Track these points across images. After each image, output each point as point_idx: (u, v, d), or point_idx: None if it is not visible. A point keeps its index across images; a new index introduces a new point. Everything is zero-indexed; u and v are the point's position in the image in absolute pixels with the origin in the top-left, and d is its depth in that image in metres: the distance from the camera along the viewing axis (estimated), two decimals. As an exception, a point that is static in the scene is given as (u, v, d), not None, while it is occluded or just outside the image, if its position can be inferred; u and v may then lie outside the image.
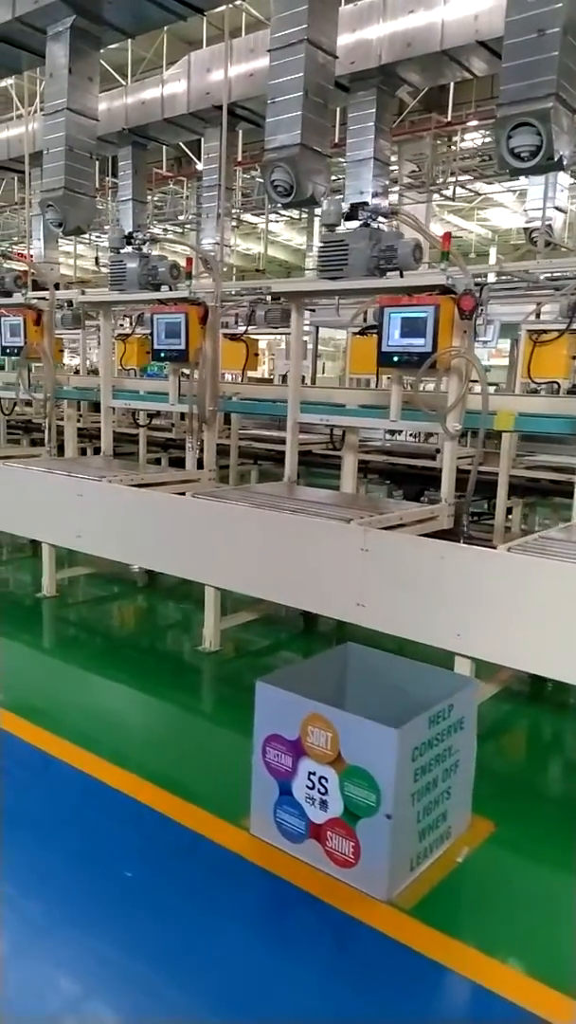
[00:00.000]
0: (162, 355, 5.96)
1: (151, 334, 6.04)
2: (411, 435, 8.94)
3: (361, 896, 2.77)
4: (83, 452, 9.37)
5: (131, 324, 10.36)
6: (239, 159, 16.13)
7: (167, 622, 6.22)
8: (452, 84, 14.47)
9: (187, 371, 6.06)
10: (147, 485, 5.69)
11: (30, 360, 6.92)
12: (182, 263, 5.99)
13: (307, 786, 2.93)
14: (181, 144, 16.17)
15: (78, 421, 9.18)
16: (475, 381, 4.82)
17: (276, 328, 10.91)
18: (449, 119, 14.30)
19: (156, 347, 5.97)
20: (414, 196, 14.89)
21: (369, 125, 12.19)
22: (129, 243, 6.04)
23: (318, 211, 12.29)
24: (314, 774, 2.90)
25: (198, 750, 3.97)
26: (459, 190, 17.50)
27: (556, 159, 6.07)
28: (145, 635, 5.90)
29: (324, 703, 2.88)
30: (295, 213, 19.52)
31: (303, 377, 9.30)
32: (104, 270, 14.87)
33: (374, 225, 4.88)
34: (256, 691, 3.08)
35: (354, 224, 4.94)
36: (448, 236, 4.72)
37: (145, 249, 6.06)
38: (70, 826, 3.23)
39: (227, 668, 5.02)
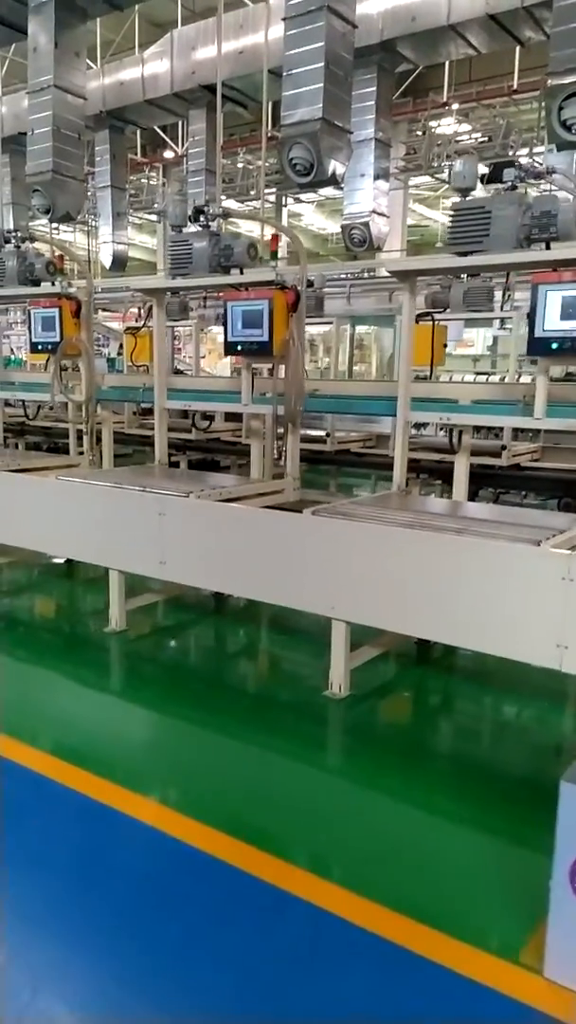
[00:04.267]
0: (238, 347, 5.01)
1: (224, 323, 5.07)
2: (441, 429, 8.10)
3: None
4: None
5: (141, 317, 9.30)
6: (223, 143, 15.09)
7: (273, 659, 5.14)
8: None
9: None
10: (234, 500, 4.77)
11: (67, 357, 5.88)
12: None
13: None
14: (156, 128, 15.04)
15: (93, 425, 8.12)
16: None
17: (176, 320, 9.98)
18: (445, 99, 13.48)
19: (231, 338, 5.01)
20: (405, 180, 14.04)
21: (369, 104, 11.29)
22: (196, 220, 5.06)
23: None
24: None
25: (386, 837, 3.08)
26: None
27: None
28: (250, 675, 4.86)
29: None
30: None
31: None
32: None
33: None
34: (561, 794, 2.22)
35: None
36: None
37: (215, 226, 5.08)
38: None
39: (367, 718, 4.11)
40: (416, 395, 4.82)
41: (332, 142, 8.62)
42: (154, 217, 18.83)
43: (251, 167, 16.22)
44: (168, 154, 16.95)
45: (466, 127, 15.71)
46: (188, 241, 5.10)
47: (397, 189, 15.43)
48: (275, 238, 4.93)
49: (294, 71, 8.53)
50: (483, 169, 4.17)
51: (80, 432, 7.97)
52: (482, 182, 4.13)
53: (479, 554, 3.47)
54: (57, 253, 5.93)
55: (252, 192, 15.77)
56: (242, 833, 2.94)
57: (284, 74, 8.61)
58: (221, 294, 5.95)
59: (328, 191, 15.05)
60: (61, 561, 6.45)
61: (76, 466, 6.06)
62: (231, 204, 17.08)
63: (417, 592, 3.60)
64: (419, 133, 15.93)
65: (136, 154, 16.78)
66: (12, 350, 14.12)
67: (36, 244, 6.16)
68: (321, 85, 8.40)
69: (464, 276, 7.45)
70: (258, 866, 2.77)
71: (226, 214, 5.14)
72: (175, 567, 4.57)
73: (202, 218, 5.04)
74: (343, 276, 12.17)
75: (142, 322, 8.77)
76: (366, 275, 12.29)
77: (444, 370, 11.19)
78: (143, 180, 19.24)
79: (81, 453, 8.07)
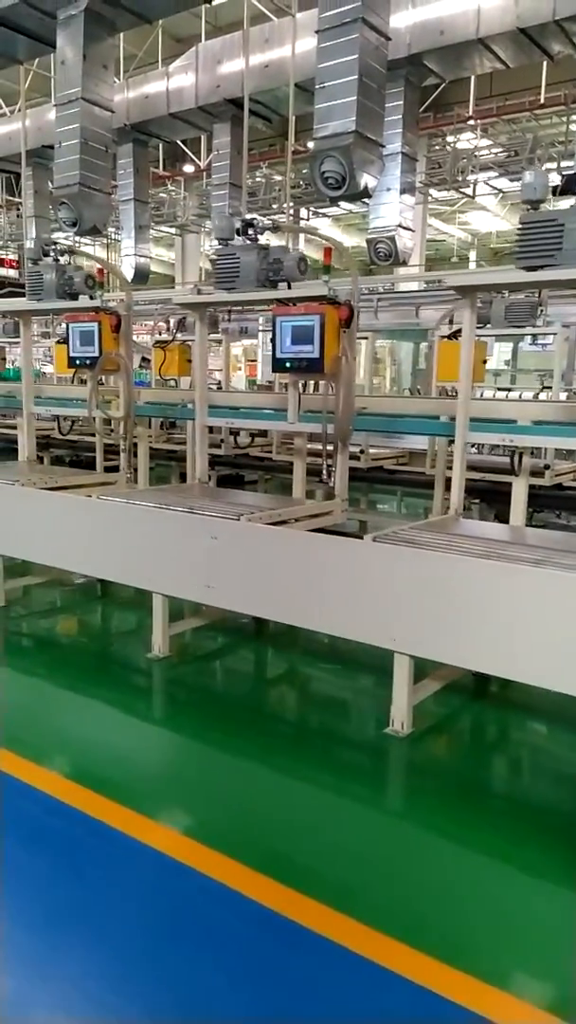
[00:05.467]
0: (287, 364, 4.79)
1: (272, 339, 4.86)
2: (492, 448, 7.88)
3: None
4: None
5: (170, 330, 9.12)
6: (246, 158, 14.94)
7: (327, 691, 4.84)
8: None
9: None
10: (282, 522, 4.55)
11: (106, 372, 5.67)
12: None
13: None
14: (179, 142, 14.90)
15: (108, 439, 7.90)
16: None
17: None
18: (471, 114, 13.30)
19: (279, 355, 4.80)
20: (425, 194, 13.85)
21: (396, 118, 11.09)
22: (244, 233, 4.85)
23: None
24: None
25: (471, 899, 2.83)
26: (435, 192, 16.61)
27: None
28: (305, 709, 4.57)
29: None
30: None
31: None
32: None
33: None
34: None
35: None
36: None
37: (263, 239, 4.87)
38: None
39: (435, 758, 3.86)
40: (472, 414, 4.59)
41: (364, 155, 8.42)
42: (173, 230, 18.68)
43: (272, 181, 16.06)
44: (187, 168, 16.80)
45: (486, 141, 15.55)
46: (235, 254, 4.89)
47: (417, 204, 15.28)
48: (328, 252, 4.71)
49: (327, 83, 8.35)
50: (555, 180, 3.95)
51: (107, 447, 7.81)
52: (553, 194, 3.90)
53: (567, 588, 3.23)
54: (97, 267, 5.74)
55: (274, 206, 15.59)
56: (303, 884, 2.71)
57: (317, 86, 8.43)
58: (250, 309, 5.72)
59: (346, 205, 14.90)
60: (91, 580, 6.22)
61: (112, 483, 5.85)
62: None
63: (495, 627, 3.36)
64: (436, 148, 15.79)
65: (157, 167, 16.63)
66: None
67: (72, 257, 5.96)
68: (355, 98, 8.22)
69: (506, 291, 7.27)
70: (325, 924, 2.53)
71: (276, 227, 4.93)
72: (223, 592, 4.34)
73: (251, 231, 4.83)
74: (365, 291, 11.98)
75: (171, 336, 8.58)
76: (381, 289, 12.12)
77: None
78: (161, 194, 19.13)
79: (108, 469, 7.87)
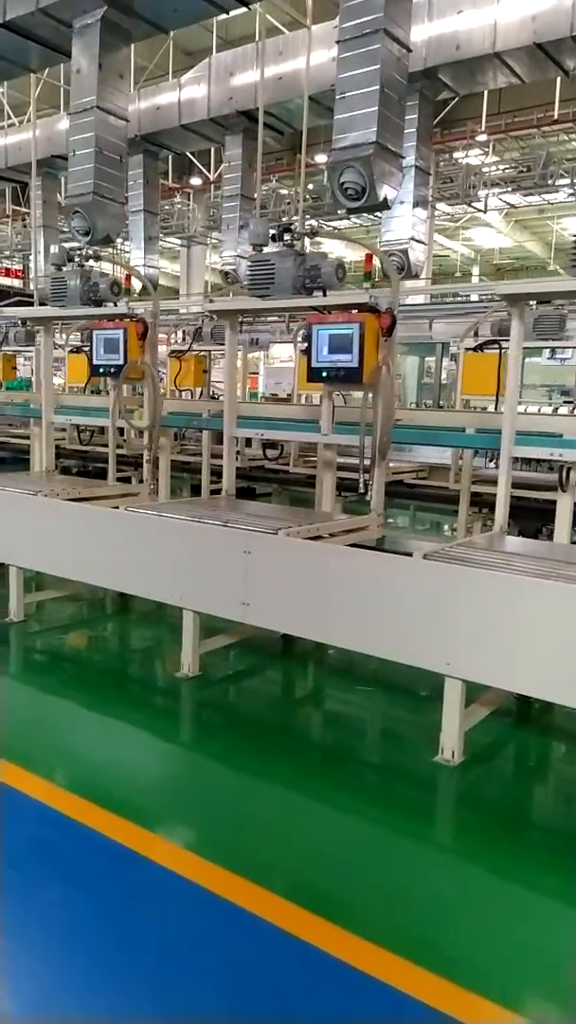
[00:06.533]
0: (324, 374, 4.60)
1: (308, 348, 4.67)
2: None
3: None
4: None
5: (186, 339, 8.93)
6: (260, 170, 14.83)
7: (371, 716, 4.52)
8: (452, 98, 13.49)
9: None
10: (318, 537, 4.34)
11: (131, 380, 5.47)
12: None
13: None
14: (188, 154, 14.77)
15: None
16: None
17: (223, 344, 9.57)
18: (483, 128, 13.21)
19: (316, 364, 4.61)
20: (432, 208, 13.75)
21: (411, 131, 10.96)
22: (281, 239, 4.67)
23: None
24: None
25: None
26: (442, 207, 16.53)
27: None
28: (351, 733, 4.32)
29: None
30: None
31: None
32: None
33: None
34: None
35: None
36: None
37: (299, 247, 4.69)
38: None
39: (490, 789, 3.64)
40: (491, 426, 4.39)
41: (385, 166, 8.25)
42: (178, 242, 18.52)
43: (283, 193, 15.94)
44: (195, 180, 16.66)
45: (493, 158, 15.49)
46: (270, 260, 4.71)
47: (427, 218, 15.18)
48: (368, 258, 4.53)
49: (348, 94, 8.18)
50: None
51: (120, 458, 7.61)
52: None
53: None
54: (124, 273, 5.54)
55: (283, 219, 15.48)
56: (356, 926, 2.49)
57: (337, 96, 8.25)
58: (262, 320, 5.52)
59: (354, 219, 14.79)
60: (109, 593, 6.00)
61: (135, 495, 5.64)
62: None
63: (562, 651, 3.16)
64: (442, 163, 15.72)
65: (165, 180, 16.51)
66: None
67: (94, 263, 5.78)
68: (376, 108, 8.03)
69: (534, 303, 7.10)
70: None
71: (313, 233, 4.75)
72: (260, 610, 4.13)
73: (287, 236, 4.64)
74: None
75: (187, 345, 8.39)
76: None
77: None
78: (166, 206, 19.00)
79: (120, 480, 7.66)
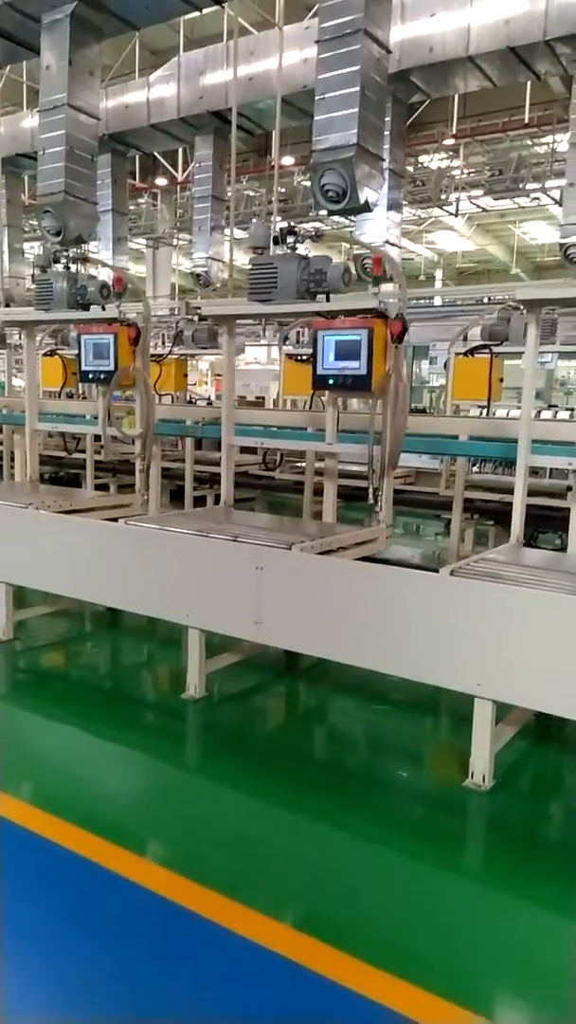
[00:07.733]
0: (331, 381, 4.41)
1: (313, 355, 4.48)
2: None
3: None
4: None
5: (166, 343, 8.66)
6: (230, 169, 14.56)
7: (389, 737, 4.29)
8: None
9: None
10: (330, 551, 4.16)
11: (122, 388, 5.22)
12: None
13: None
14: (155, 153, 14.47)
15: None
16: None
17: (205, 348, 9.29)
18: (454, 132, 13.16)
19: (321, 371, 4.42)
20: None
21: (385, 134, 10.83)
22: (283, 241, 4.47)
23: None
24: None
25: None
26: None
27: None
28: (370, 755, 4.14)
29: None
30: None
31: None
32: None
33: None
34: None
35: None
36: None
37: (301, 250, 4.50)
38: None
39: (531, 815, 3.48)
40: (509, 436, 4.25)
41: (366, 169, 8.09)
42: (143, 243, 18.17)
43: (253, 195, 15.72)
44: (161, 180, 16.34)
45: (459, 161, 15.47)
46: (272, 264, 4.50)
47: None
48: (377, 261, 4.35)
49: (327, 95, 7.99)
50: None
51: (98, 464, 7.34)
52: None
53: None
54: (114, 276, 5.29)
55: (254, 220, 15.27)
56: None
57: (316, 98, 8.05)
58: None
59: (331, 221, 14.62)
60: (100, 609, 5.72)
61: (127, 506, 5.38)
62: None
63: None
64: (409, 166, 15.65)
65: (133, 179, 16.15)
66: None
67: (80, 266, 5.51)
68: (356, 110, 7.83)
69: (523, 308, 7.00)
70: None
71: (318, 234, 4.55)
72: (274, 629, 3.93)
73: (290, 239, 4.44)
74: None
75: (167, 350, 8.15)
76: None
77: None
78: (131, 206, 18.63)
79: (98, 488, 7.41)
